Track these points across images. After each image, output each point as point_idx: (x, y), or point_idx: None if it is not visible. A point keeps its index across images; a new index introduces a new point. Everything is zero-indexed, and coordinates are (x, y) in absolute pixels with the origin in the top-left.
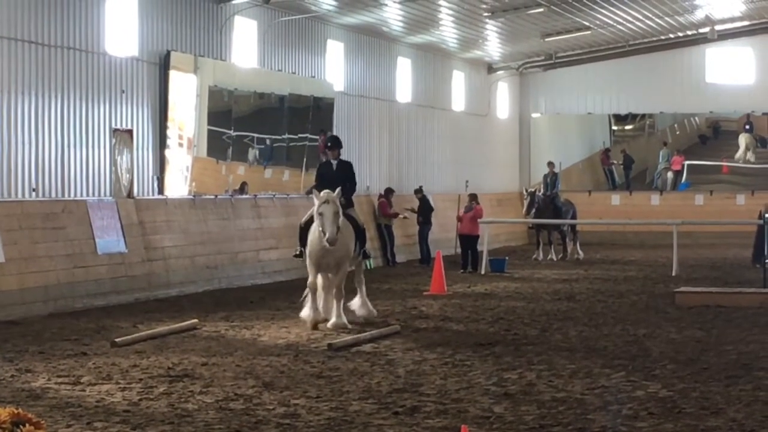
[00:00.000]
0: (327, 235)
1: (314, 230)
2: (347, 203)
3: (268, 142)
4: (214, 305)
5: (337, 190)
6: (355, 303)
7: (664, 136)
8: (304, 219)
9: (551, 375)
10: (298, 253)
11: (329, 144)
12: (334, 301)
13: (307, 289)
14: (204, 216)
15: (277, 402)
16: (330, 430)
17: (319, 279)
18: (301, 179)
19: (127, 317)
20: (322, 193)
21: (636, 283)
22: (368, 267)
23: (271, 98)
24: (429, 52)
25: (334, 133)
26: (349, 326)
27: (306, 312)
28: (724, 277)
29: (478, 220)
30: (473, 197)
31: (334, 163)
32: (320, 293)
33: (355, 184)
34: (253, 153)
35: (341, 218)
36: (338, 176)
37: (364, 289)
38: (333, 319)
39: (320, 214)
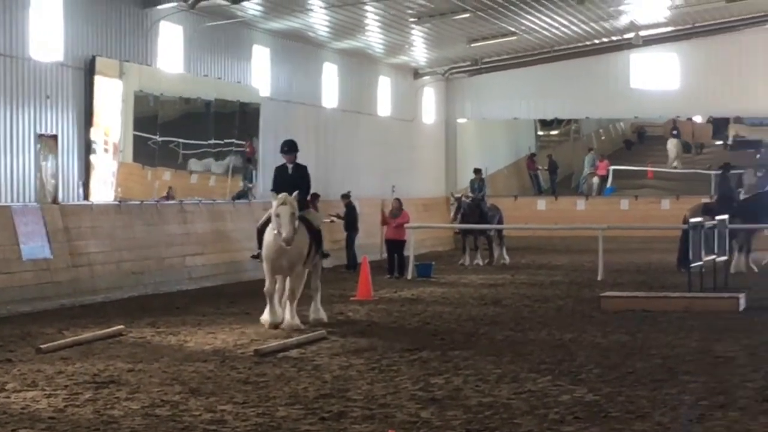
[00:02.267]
0: (283, 235)
1: (269, 231)
2: (302, 206)
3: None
4: (140, 311)
5: (294, 193)
6: (311, 307)
7: (589, 141)
8: (261, 221)
9: (478, 380)
10: (256, 254)
11: (285, 148)
12: (288, 303)
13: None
14: (130, 221)
15: (203, 408)
16: None
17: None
18: (228, 185)
19: (52, 323)
20: (279, 195)
21: (562, 287)
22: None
23: (197, 103)
24: (355, 58)
25: (260, 138)
26: (303, 326)
27: (265, 316)
28: (650, 282)
29: (405, 225)
30: (399, 202)
31: (290, 167)
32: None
33: (309, 187)
34: (206, 162)
35: (297, 220)
36: (294, 180)
37: (319, 294)
38: (287, 320)
39: (277, 215)
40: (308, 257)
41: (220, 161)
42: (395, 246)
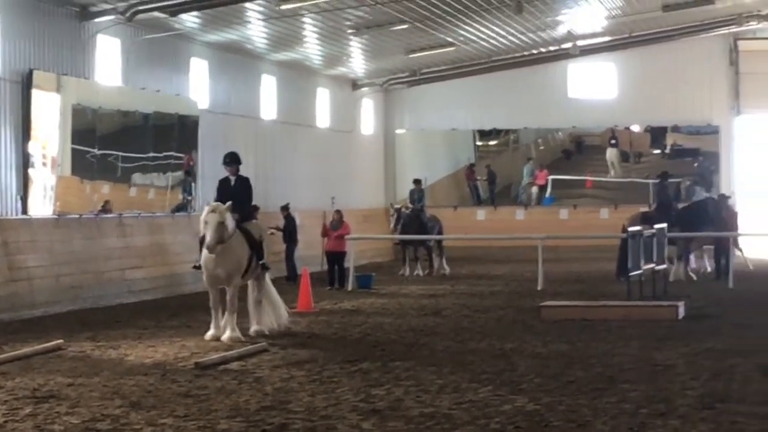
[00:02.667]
0: (207, 241)
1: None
2: (244, 217)
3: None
4: (79, 325)
5: (228, 203)
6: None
7: (528, 151)
8: (203, 232)
9: (419, 390)
10: (197, 265)
11: (227, 160)
12: (227, 315)
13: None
14: (69, 235)
15: (144, 422)
16: None
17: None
18: (167, 197)
19: None
20: (211, 204)
21: (502, 297)
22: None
23: (136, 116)
24: (294, 69)
25: (199, 151)
26: (243, 338)
27: (210, 333)
28: (589, 291)
29: (345, 236)
30: (340, 214)
31: (233, 179)
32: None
33: (250, 198)
34: (167, 177)
35: (230, 229)
36: (236, 192)
37: (261, 306)
38: (227, 333)
39: (205, 223)
40: (248, 269)
41: (165, 174)
42: (336, 257)
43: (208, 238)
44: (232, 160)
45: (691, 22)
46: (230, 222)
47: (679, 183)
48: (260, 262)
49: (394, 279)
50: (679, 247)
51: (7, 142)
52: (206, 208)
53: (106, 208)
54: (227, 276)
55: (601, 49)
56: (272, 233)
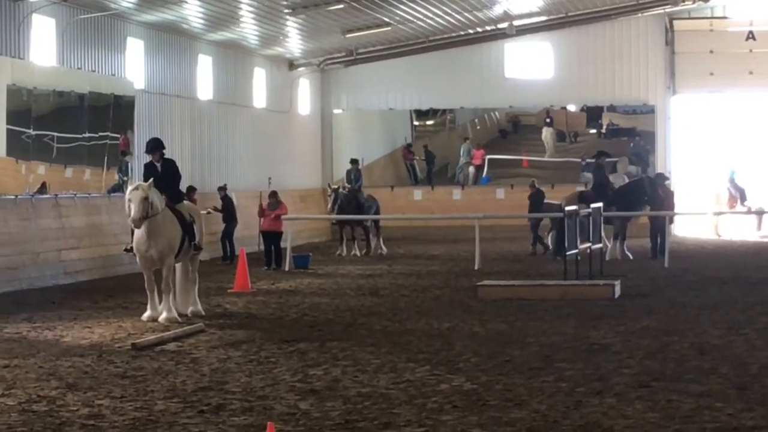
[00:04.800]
0: (132, 215)
1: None
2: (172, 199)
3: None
4: (15, 306)
5: (150, 180)
6: (188, 299)
7: (464, 131)
8: (127, 210)
9: (356, 370)
10: (128, 248)
11: (149, 148)
12: (163, 295)
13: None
14: (4, 216)
15: (81, 403)
16: (135, 430)
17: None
18: (103, 178)
19: None
20: (133, 183)
21: (439, 277)
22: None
23: (71, 97)
24: (230, 49)
25: (135, 131)
26: (180, 319)
27: (147, 314)
28: (526, 270)
29: (282, 217)
30: (275, 195)
31: (158, 164)
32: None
33: (178, 180)
34: (124, 161)
35: (156, 206)
36: (163, 176)
37: (196, 286)
38: (164, 314)
39: (129, 200)
40: (180, 250)
41: (100, 154)
42: (272, 237)
43: (132, 213)
44: (153, 147)
45: (627, 2)
46: (156, 198)
47: (615, 162)
48: (192, 243)
49: (331, 259)
50: (616, 226)
51: None
52: (129, 187)
53: (42, 191)
54: (159, 257)
55: (537, 28)
56: (209, 212)
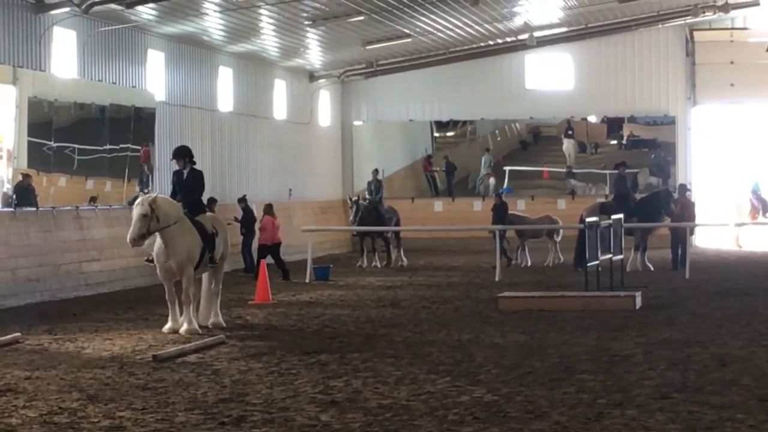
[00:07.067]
0: (128, 235)
1: (158, 235)
2: (193, 210)
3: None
4: (36, 318)
5: (154, 194)
6: (211, 311)
7: (485, 142)
8: None
9: (377, 382)
10: (150, 258)
11: (174, 155)
12: (183, 307)
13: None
14: (25, 228)
15: (102, 415)
16: None
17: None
18: (124, 190)
19: None
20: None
21: (459, 288)
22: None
23: (92, 109)
24: (250, 61)
25: (155, 143)
26: (201, 331)
27: (168, 326)
28: (547, 281)
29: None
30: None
31: (185, 172)
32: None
33: (201, 191)
34: (145, 173)
35: (161, 219)
36: (187, 183)
37: (218, 298)
38: (185, 325)
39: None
40: (201, 261)
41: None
42: (271, 250)
43: (128, 233)
44: (178, 153)
45: (648, 12)
46: (166, 210)
47: (636, 174)
48: (208, 255)
49: (352, 271)
50: (637, 237)
51: None
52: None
53: (93, 202)
54: (179, 268)
55: (557, 40)
56: (230, 224)
